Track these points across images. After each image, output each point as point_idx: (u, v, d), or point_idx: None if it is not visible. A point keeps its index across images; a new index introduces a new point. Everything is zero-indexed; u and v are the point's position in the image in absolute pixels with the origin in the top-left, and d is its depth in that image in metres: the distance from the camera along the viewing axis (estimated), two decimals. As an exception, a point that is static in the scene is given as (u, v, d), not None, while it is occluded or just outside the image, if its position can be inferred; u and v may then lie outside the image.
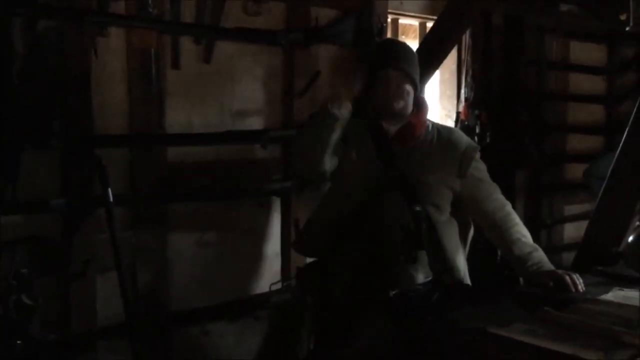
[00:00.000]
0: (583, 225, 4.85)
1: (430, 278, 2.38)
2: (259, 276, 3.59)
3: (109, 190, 2.66)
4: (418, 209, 2.33)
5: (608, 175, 2.86)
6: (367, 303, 2.33)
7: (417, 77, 2.44)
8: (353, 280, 2.40)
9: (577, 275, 2.25)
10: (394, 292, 2.30)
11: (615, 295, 2.17)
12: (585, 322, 1.85)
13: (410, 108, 2.43)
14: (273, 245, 3.62)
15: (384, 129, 2.43)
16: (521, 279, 3.57)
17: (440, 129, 2.53)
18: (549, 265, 2.35)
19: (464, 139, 2.53)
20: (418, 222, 2.31)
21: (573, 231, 5.07)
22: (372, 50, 2.55)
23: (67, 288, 2.90)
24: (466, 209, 2.51)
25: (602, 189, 2.87)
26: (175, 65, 3.18)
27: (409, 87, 2.40)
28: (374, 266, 2.36)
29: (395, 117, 2.42)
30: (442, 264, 2.39)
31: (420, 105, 2.48)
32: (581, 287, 2.22)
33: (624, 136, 2.86)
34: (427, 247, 2.33)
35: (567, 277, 2.22)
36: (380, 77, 2.39)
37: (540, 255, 2.37)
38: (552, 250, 4.41)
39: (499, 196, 2.48)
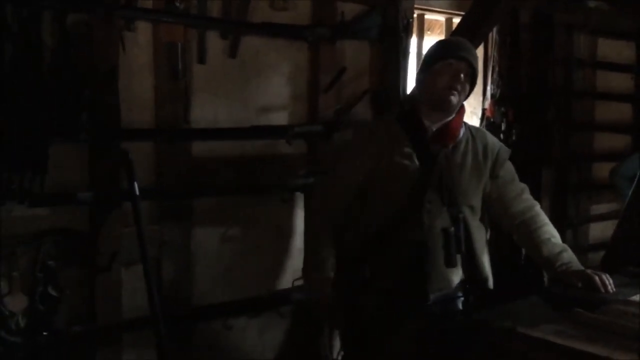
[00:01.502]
0: (609, 225, 4.86)
1: (462, 280, 2.36)
2: (282, 272, 3.59)
3: (135, 183, 2.67)
4: (458, 211, 2.29)
5: (638, 174, 2.82)
6: (406, 308, 2.29)
7: (477, 75, 2.38)
8: (392, 285, 2.34)
9: (607, 275, 2.22)
10: (434, 296, 2.27)
11: (646, 296, 2.13)
12: (617, 324, 1.82)
13: (459, 107, 2.38)
14: (296, 241, 3.61)
15: (424, 125, 2.37)
16: (546, 279, 3.55)
17: (472, 129, 2.50)
18: (578, 266, 2.31)
19: (494, 139, 2.52)
20: (458, 225, 2.28)
21: (598, 231, 5.01)
22: (430, 48, 2.45)
23: (92, 280, 2.91)
24: (494, 210, 2.48)
25: (632, 188, 2.82)
26: (202, 60, 3.18)
27: (468, 86, 2.34)
28: (414, 271, 2.30)
29: (440, 113, 2.34)
30: (475, 267, 2.37)
31: (461, 106, 2.43)
32: (611, 287, 2.19)
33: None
34: (463, 250, 2.30)
35: (597, 278, 2.19)
36: (447, 65, 2.29)
37: (569, 255, 2.34)
38: (577, 250, 4.32)
39: (528, 196, 2.46)
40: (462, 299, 2.33)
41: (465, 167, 2.36)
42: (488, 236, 2.53)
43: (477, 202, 2.40)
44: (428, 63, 2.35)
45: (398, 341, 2.24)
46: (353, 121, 3.43)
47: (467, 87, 2.34)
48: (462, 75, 2.30)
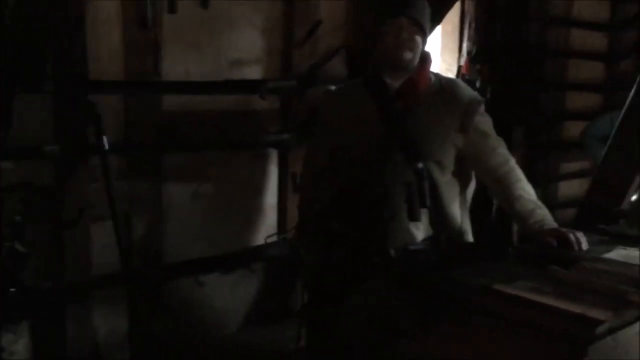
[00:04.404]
0: (578, 183, 4.92)
1: (430, 236, 2.35)
2: (255, 228, 3.57)
3: (104, 137, 2.60)
4: (420, 166, 2.27)
5: (612, 134, 2.84)
6: (369, 261, 2.31)
7: (428, 29, 2.35)
8: (355, 239, 2.36)
9: (581, 233, 2.23)
10: (395, 249, 2.28)
11: (618, 253, 2.15)
12: (591, 281, 1.83)
13: (416, 61, 2.35)
14: (269, 198, 3.58)
15: (386, 84, 2.36)
16: (514, 236, 3.59)
17: (443, 81, 2.45)
18: (552, 223, 2.32)
19: (467, 91, 2.44)
20: (420, 180, 2.26)
21: (568, 189, 5.07)
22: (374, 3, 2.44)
23: (60, 236, 2.85)
24: (470, 164, 2.46)
25: (605, 147, 2.84)
26: (172, 9, 3.08)
27: (419, 38, 2.32)
28: (376, 225, 2.32)
29: (400, 71, 2.34)
30: (442, 222, 2.36)
31: (424, 59, 2.39)
32: (585, 245, 2.20)
33: (630, 96, 2.82)
34: (428, 205, 2.29)
35: (571, 235, 2.20)
36: (389, 25, 2.28)
37: (543, 212, 2.34)
38: (546, 208, 4.40)
39: (503, 151, 2.43)
40: (426, 253, 2.32)
41: (429, 121, 2.34)
42: (472, 190, 2.52)
43: (445, 157, 2.37)
44: (378, 18, 2.32)
45: (359, 296, 2.24)
46: (327, 76, 3.37)
47: (418, 40, 2.30)
48: (413, 35, 2.28)
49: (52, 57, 2.67)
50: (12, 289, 2.67)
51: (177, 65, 3.14)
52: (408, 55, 2.29)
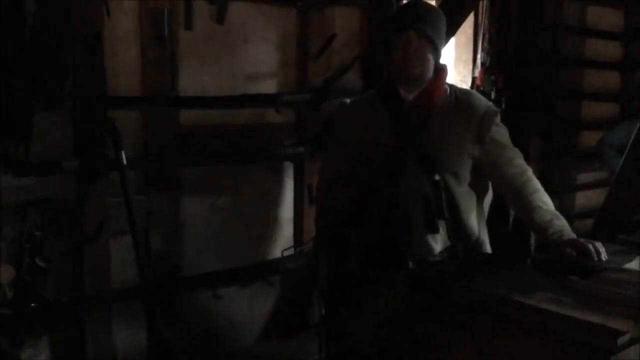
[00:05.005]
0: (595, 193, 4.89)
1: (448, 247, 2.35)
2: (271, 241, 3.57)
3: (123, 152, 2.63)
4: (437, 178, 2.27)
5: (630, 143, 2.81)
6: (385, 272, 2.31)
7: (439, 42, 2.33)
8: (372, 249, 2.36)
9: (600, 243, 2.21)
10: (412, 261, 2.27)
11: (638, 263, 2.14)
12: (611, 291, 1.82)
13: (429, 74, 2.34)
14: (286, 210, 3.59)
15: (401, 96, 2.36)
16: (532, 247, 3.56)
17: (458, 93, 2.46)
18: (570, 234, 2.30)
19: (482, 102, 2.44)
20: (437, 191, 2.26)
21: (585, 199, 5.04)
22: (394, 12, 2.46)
23: (80, 251, 2.88)
24: (486, 175, 2.45)
25: (623, 158, 2.82)
26: (188, 26, 3.12)
27: (429, 51, 2.31)
28: (393, 236, 2.32)
29: (412, 83, 2.34)
30: (460, 233, 2.36)
31: (439, 71, 2.40)
32: (604, 255, 2.18)
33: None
34: (446, 217, 2.29)
35: (590, 245, 2.18)
36: (398, 39, 2.30)
37: (561, 223, 2.32)
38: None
39: (520, 161, 2.42)
40: (444, 264, 2.31)
41: (445, 133, 2.33)
42: (489, 201, 2.51)
43: (461, 168, 2.36)
44: (389, 32, 2.33)
45: (376, 306, 2.24)
46: (342, 89, 3.39)
47: (427, 53, 2.30)
48: (422, 48, 2.28)
49: (72, 73, 2.69)
50: (32, 304, 2.70)
51: (193, 80, 3.17)
52: (416, 68, 2.29)
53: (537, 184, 2.41)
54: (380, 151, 2.34)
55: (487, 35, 4.16)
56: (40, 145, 2.66)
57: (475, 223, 2.42)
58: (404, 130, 2.33)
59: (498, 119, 2.42)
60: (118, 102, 2.92)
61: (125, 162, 2.62)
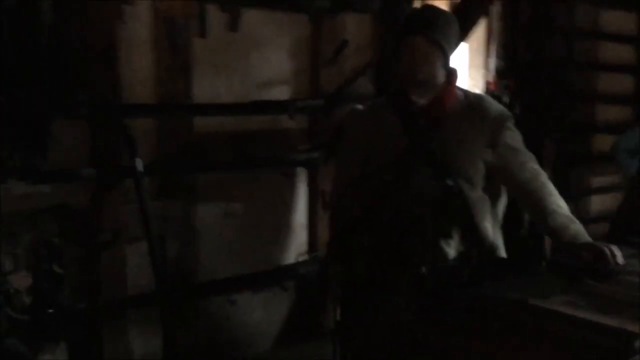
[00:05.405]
0: (610, 197, 4.86)
1: (462, 252, 2.34)
2: (285, 247, 3.59)
3: (138, 159, 2.65)
4: (450, 183, 2.27)
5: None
6: (396, 277, 2.30)
7: (448, 46, 2.30)
8: (382, 254, 2.36)
9: (616, 247, 2.20)
10: (426, 268, 2.26)
11: (655, 267, 2.13)
12: (628, 294, 1.81)
13: (438, 79, 2.32)
14: (299, 216, 3.61)
15: (412, 101, 2.36)
16: (547, 251, 3.54)
17: (471, 97, 2.44)
18: (586, 237, 2.28)
19: (495, 107, 2.42)
20: (449, 196, 2.26)
21: (599, 204, 5.01)
22: (403, 18, 2.45)
23: (96, 258, 2.90)
24: (500, 180, 2.45)
25: (637, 160, 2.81)
26: (202, 33, 3.14)
27: (437, 56, 2.28)
28: (403, 241, 2.31)
29: (421, 88, 2.32)
30: (474, 238, 2.35)
31: (449, 76, 2.39)
32: (620, 259, 2.17)
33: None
34: (460, 223, 2.28)
35: (606, 249, 2.17)
36: (406, 44, 2.27)
37: (577, 227, 2.31)
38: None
39: (534, 165, 2.41)
40: (458, 270, 2.30)
41: (458, 138, 2.32)
42: (503, 206, 2.50)
43: (474, 173, 2.35)
44: (397, 37, 2.34)
45: (388, 311, 2.24)
46: (354, 95, 3.40)
47: (435, 59, 2.29)
48: (429, 53, 2.26)
49: (87, 82, 2.72)
50: (49, 310, 2.72)
51: (207, 87, 3.20)
52: (422, 73, 2.26)
53: (551, 188, 2.40)
54: (390, 156, 2.33)
55: (499, 41, 4.16)
56: (57, 153, 2.68)
57: (490, 228, 2.41)
58: (414, 135, 2.32)
59: (511, 124, 2.41)
60: (133, 110, 2.95)
61: (140, 169, 2.64)
